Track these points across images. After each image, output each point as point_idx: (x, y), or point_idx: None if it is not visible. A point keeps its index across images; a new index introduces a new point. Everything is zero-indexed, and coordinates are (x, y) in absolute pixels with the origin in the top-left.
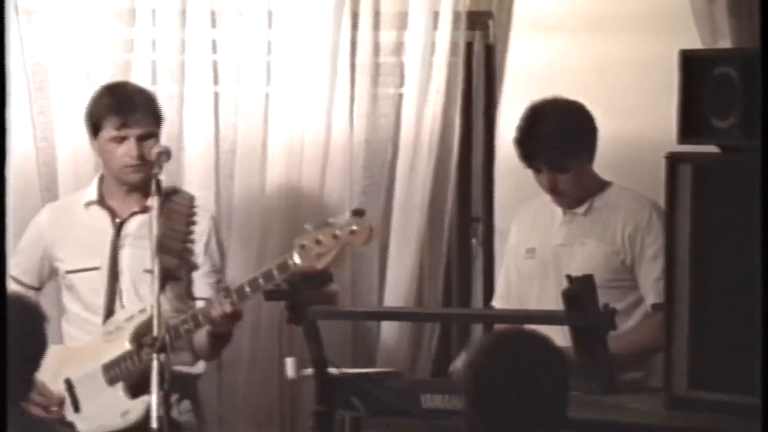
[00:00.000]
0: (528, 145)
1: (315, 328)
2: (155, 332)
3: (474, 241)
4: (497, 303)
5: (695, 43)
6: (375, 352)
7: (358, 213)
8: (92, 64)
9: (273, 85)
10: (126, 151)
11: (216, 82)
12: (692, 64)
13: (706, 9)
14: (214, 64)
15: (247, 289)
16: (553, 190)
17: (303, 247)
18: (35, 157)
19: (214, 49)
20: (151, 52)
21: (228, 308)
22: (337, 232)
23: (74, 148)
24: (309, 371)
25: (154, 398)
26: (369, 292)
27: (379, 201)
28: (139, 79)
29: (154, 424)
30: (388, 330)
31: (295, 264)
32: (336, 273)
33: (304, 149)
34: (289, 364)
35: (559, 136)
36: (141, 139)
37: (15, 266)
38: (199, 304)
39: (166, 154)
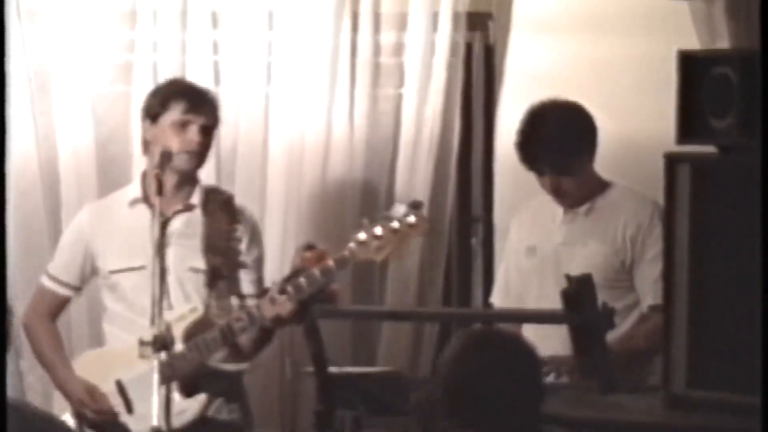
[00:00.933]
0: (530, 149)
1: (315, 327)
2: (157, 331)
3: (474, 240)
4: (495, 299)
5: (693, 44)
6: (375, 351)
7: (415, 205)
8: (94, 65)
9: (273, 86)
10: (188, 137)
11: (217, 82)
12: (690, 64)
13: (704, 10)
14: (215, 64)
15: (304, 284)
16: (557, 192)
17: (361, 242)
18: (36, 158)
19: (215, 50)
20: (152, 53)
21: (287, 307)
22: (395, 225)
23: (75, 148)
24: (309, 370)
25: (155, 398)
26: (369, 292)
27: (379, 201)
28: (141, 80)
29: (154, 422)
30: (389, 329)
31: (353, 259)
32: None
33: (305, 149)
34: (290, 364)
35: (561, 138)
36: (203, 129)
37: (55, 266)
38: (249, 302)
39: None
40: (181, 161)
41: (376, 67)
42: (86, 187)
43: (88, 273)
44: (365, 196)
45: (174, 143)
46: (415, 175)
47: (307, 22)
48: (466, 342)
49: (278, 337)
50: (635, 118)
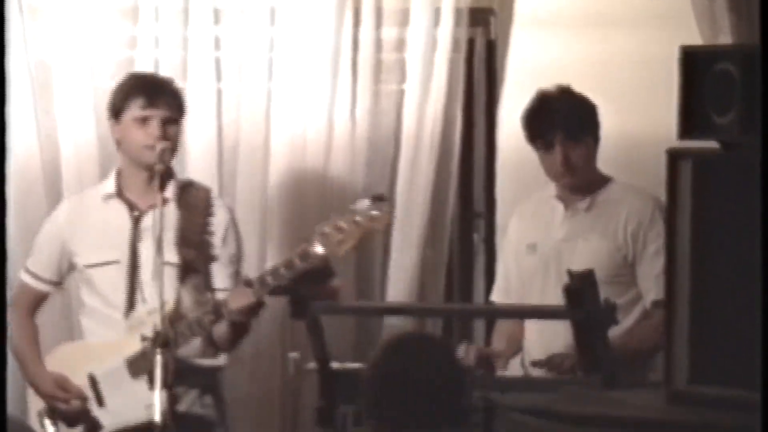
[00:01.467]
0: (539, 120)
1: (318, 323)
2: (159, 327)
3: (476, 236)
4: (496, 297)
5: (695, 40)
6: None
7: (378, 198)
8: (96, 61)
9: (275, 82)
10: (149, 132)
11: (218, 79)
12: (693, 60)
13: (706, 5)
14: (217, 61)
15: (269, 279)
16: (567, 165)
17: (324, 234)
18: (39, 155)
19: (217, 46)
20: (154, 49)
21: (250, 299)
22: (358, 218)
23: (77, 145)
24: (312, 366)
25: (157, 394)
26: (371, 288)
27: None
28: None
29: (157, 418)
30: (391, 325)
31: (316, 252)
32: (339, 268)
33: (307, 146)
34: (292, 359)
35: (571, 106)
36: (164, 122)
37: (34, 262)
38: (219, 295)
39: (170, 150)
40: (142, 155)
41: (378, 64)
42: (88, 185)
43: (66, 268)
44: (367, 192)
45: (136, 139)
46: (417, 171)
47: (309, 18)
48: (383, 346)
49: (279, 334)
50: (637, 113)
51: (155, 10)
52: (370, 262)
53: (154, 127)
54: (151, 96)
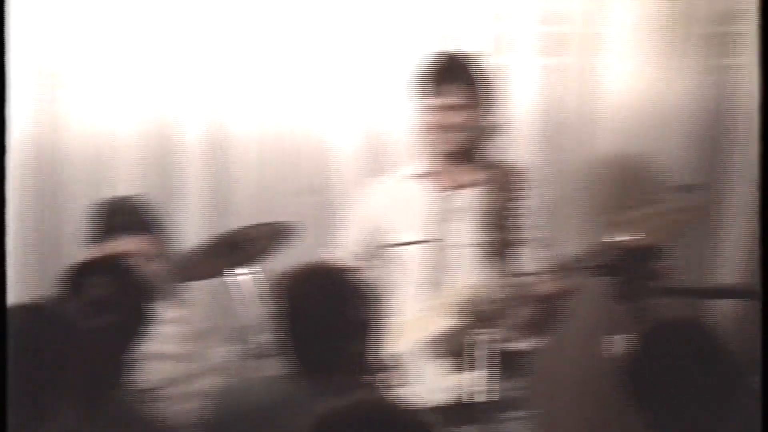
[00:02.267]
0: None
1: (645, 305)
2: (481, 307)
3: None
4: None
5: None
6: None
7: (688, 188)
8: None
9: (603, 56)
10: (450, 118)
11: (543, 54)
12: None
13: None
14: (542, 35)
15: (577, 264)
16: None
17: (632, 222)
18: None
19: (545, 21)
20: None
21: (559, 285)
22: (668, 207)
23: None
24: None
25: (474, 374)
26: (697, 268)
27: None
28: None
29: (476, 399)
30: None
31: (625, 239)
32: (666, 248)
33: (641, 118)
34: (616, 341)
35: None
36: (458, 107)
37: (344, 242)
38: (528, 279)
39: (469, 133)
40: (444, 140)
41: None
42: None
43: (375, 248)
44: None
45: (436, 123)
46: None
47: None
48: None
49: (596, 316)
50: None
51: None
52: (699, 243)
53: (453, 113)
54: (443, 82)
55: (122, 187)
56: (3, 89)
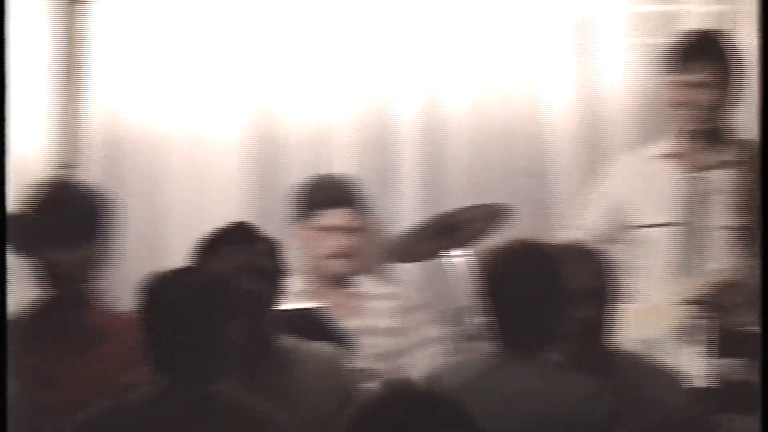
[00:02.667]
0: None
1: None
2: (715, 294)
3: None
4: None
5: None
6: None
7: None
8: None
9: None
10: (689, 95)
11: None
12: None
13: None
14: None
15: None
16: None
17: None
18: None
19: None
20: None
21: None
22: None
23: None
24: None
25: (725, 361)
26: None
27: None
28: None
29: (712, 385)
30: None
31: None
32: None
33: None
34: None
35: None
36: (704, 85)
37: (583, 222)
38: None
39: (716, 110)
40: (686, 117)
41: None
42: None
43: (617, 227)
44: None
45: (679, 99)
46: None
47: None
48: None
49: None
50: None
51: None
52: None
53: (694, 90)
54: (692, 59)
55: (338, 169)
56: (3, 90)
